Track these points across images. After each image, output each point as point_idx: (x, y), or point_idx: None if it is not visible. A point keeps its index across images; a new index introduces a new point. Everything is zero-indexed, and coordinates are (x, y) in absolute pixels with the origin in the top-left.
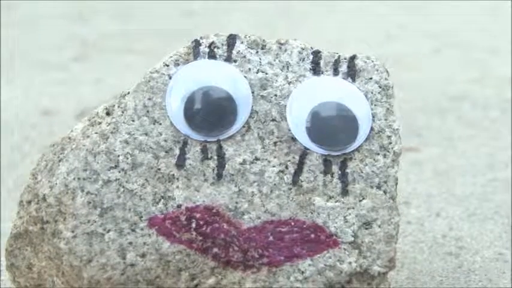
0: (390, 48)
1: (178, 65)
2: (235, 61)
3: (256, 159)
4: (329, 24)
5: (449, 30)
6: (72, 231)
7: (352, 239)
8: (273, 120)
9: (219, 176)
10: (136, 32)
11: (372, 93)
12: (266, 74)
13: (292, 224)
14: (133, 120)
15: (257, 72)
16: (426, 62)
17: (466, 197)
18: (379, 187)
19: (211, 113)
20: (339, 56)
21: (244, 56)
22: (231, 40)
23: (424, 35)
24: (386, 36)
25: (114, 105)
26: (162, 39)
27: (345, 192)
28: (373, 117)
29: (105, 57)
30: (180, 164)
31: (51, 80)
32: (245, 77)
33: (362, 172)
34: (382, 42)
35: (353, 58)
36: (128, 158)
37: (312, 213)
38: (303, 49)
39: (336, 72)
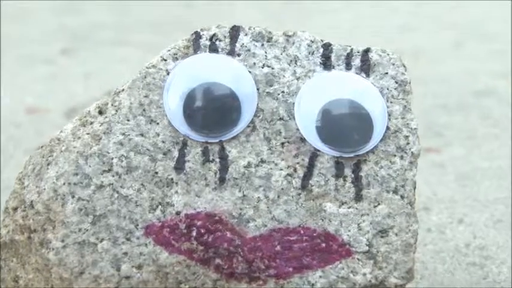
0: (408, 41)
1: (176, 59)
2: (238, 55)
3: (262, 161)
4: (341, 14)
5: (472, 21)
6: (62, 241)
7: (367, 248)
8: (280, 119)
9: (222, 180)
10: (131, 22)
11: (387, 89)
12: (272, 68)
13: (302, 232)
14: (128, 120)
15: (262, 67)
16: (447, 55)
17: (491, 202)
18: (395, 192)
19: (212, 111)
20: (352, 49)
21: (249, 50)
22: (234, 32)
23: (444, 26)
24: (404, 27)
25: (107, 104)
26: (159, 31)
27: (358, 197)
28: (389, 115)
29: (97, 50)
30: (179, 167)
31: (38, 75)
32: (250, 72)
33: (377, 175)
34: (399, 34)
35: (367, 51)
36: (122, 161)
37: (322, 220)
38: (313, 42)
39: (348, 66)
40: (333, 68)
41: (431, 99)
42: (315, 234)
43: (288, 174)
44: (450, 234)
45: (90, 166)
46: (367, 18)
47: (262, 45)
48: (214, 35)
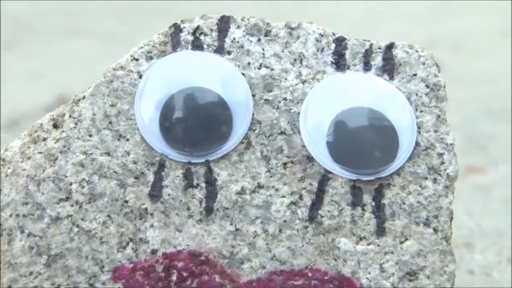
0: (442, 29)
1: (151, 58)
2: (229, 53)
3: (260, 186)
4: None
5: None
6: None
7: None
8: (282, 133)
9: (209, 211)
10: (88, 7)
11: (416, 94)
12: (272, 69)
13: (310, 275)
14: (90, 135)
15: (259, 68)
16: (492, 48)
17: None
18: (427, 224)
19: (196, 124)
20: (371, 45)
21: (242, 46)
22: (224, 24)
23: (488, 10)
24: (437, 11)
25: (63, 115)
26: (126, 19)
27: (381, 231)
28: (419, 127)
29: (45, 43)
30: (155, 194)
31: None
32: (243, 74)
33: (404, 203)
34: (430, 20)
35: (390, 47)
36: (83, 187)
37: (336, 260)
38: (322, 35)
39: (367, 66)
40: (348, 68)
41: (473, 104)
42: (326, 278)
43: (292, 203)
44: (498, 276)
45: (43, 194)
46: (390, 2)
47: (259, 40)
48: (198, 27)
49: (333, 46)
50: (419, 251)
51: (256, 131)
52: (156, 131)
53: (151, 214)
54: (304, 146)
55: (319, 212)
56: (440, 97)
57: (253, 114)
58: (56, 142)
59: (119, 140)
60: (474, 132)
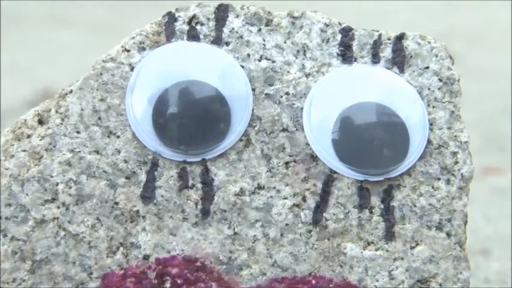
0: (456, 21)
1: (143, 49)
2: (227, 43)
3: (260, 187)
4: None
5: None
6: None
7: None
8: (284, 130)
9: (205, 213)
10: None
11: (429, 89)
12: (273, 62)
13: (313, 282)
14: (78, 132)
15: (260, 60)
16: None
17: None
18: (440, 228)
19: (192, 120)
20: (380, 35)
21: (241, 36)
22: (222, 13)
23: (508, 3)
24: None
25: (49, 110)
26: (115, 8)
27: (390, 235)
28: (431, 124)
29: (28, 33)
30: (148, 195)
31: None
32: (242, 66)
33: (415, 206)
34: (444, 12)
35: (401, 38)
36: (70, 188)
37: (341, 266)
38: (327, 25)
39: (375, 58)
40: (355, 60)
41: (489, 100)
42: (331, 286)
43: (295, 205)
44: None
45: (27, 194)
46: None
47: (259, 30)
48: (193, 16)
49: (339, 37)
50: (431, 257)
51: (256, 128)
52: (148, 127)
53: (144, 217)
54: (307, 144)
55: (324, 215)
56: (454, 92)
57: (253, 110)
58: (41, 139)
59: (108, 137)
60: (491, 130)
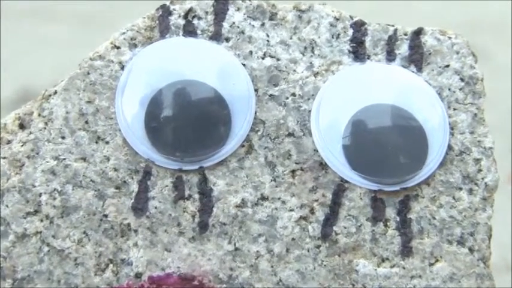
0: (481, 11)
1: (135, 46)
2: (227, 39)
3: (263, 198)
4: None
5: None
6: None
7: None
8: (290, 134)
9: (203, 227)
10: None
11: (449, 89)
12: (278, 60)
13: None
14: (63, 137)
15: (263, 58)
16: None
17: None
18: (461, 242)
19: (189, 124)
20: (396, 30)
21: (242, 32)
22: (221, 6)
23: None
24: None
25: (31, 113)
26: (105, 1)
27: (407, 251)
28: (452, 128)
29: (6, 26)
30: (140, 207)
31: None
32: (244, 65)
33: (434, 218)
34: (467, 1)
35: (418, 33)
36: (55, 199)
37: (353, 285)
38: (337, 19)
39: (390, 56)
40: (368, 58)
41: None
42: None
43: (302, 218)
44: None
45: (7, 206)
46: None
47: (263, 24)
48: (190, 10)
49: (350, 32)
50: (452, 274)
51: (259, 133)
52: (140, 132)
53: (135, 231)
54: (316, 151)
55: (334, 228)
56: (477, 92)
57: (255, 113)
58: (22, 145)
59: (96, 143)
60: None
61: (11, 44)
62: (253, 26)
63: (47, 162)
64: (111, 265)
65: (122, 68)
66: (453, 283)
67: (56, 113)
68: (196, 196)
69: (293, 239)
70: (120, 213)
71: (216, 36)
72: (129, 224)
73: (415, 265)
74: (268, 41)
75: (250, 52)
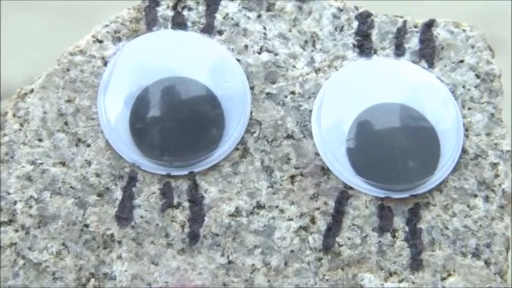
0: (495, 4)
1: (119, 40)
2: (220, 32)
3: (259, 206)
4: None
5: None
6: None
7: None
8: (289, 136)
9: (194, 238)
10: None
11: (463, 87)
12: (276, 54)
13: None
14: (40, 140)
15: (259, 52)
16: None
17: None
18: (477, 254)
19: (178, 125)
20: (405, 22)
21: (237, 24)
22: None
23: None
24: None
25: (5, 113)
26: None
27: (416, 264)
28: (466, 130)
29: None
30: (124, 216)
31: None
32: (238, 60)
33: (447, 228)
34: None
35: (430, 25)
36: (31, 207)
37: None
38: (341, 10)
39: (399, 50)
40: (375, 53)
41: None
42: None
43: (302, 228)
44: None
45: None
46: None
47: (259, 16)
48: (180, 0)
49: (355, 24)
50: None
51: (255, 135)
52: (125, 134)
53: (119, 242)
54: (317, 154)
55: (337, 239)
56: (494, 90)
57: (251, 113)
58: None
59: (77, 146)
60: None
61: None
62: (248, 17)
63: (23, 167)
64: (92, 280)
65: (105, 63)
66: None
67: (33, 113)
68: (186, 204)
69: (292, 251)
70: (102, 223)
71: (208, 29)
72: (112, 235)
73: (426, 280)
74: (265, 34)
75: (246, 46)
